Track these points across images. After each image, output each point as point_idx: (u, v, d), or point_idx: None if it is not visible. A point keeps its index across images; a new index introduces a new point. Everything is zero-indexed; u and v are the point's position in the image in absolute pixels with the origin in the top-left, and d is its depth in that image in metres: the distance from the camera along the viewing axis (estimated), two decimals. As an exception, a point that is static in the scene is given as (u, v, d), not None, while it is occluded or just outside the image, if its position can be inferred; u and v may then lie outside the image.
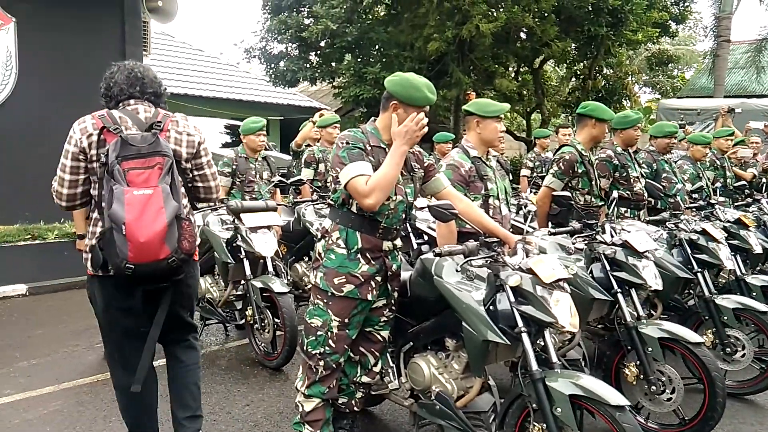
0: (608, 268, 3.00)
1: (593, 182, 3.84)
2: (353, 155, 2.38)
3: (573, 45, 14.57)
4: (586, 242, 3.08)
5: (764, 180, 5.93)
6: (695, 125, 6.19)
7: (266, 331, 3.91)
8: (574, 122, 4.32)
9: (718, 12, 16.58)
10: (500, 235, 2.55)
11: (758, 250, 4.19)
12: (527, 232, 2.88)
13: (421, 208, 4.51)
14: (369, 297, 2.50)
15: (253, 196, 4.69)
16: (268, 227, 4.09)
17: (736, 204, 4.91)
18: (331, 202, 2.57)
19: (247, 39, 34.35)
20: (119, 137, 2.17)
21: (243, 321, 4.15)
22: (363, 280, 2.47)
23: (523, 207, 5.35)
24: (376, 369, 2.74)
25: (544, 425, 2.22)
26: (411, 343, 2.79)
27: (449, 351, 2.61)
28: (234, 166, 4.67)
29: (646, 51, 21.67)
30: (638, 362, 2.94)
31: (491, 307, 2.35)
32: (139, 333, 2.37)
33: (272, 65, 15.51)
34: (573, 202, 3.55)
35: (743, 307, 3.45)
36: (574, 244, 3.07)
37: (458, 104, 13.71)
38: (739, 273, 4.01)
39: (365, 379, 2.74)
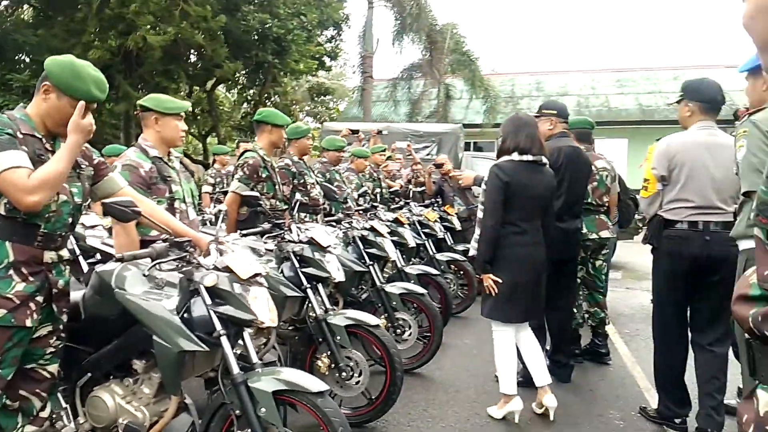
0: (297, 265, 3.11)
1: (277, 186, 3.97)
2: (3, 143, 1.92)
3: (243, 71, 15.03)
4: (275, 243, 3.14)
5: (410, 188, 7.06)
6: (353, 144, 7.00)
7: None
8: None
9: (363, 51, 19.32)
10: (191, 237, 2.37)
11: (412, 244, 4.95)
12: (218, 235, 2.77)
13: (93, 227, 3.96)
14: (28, 323, 2.02)
15: None
16: None
17: (391, 208, 5.70)
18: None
19: None
20: None
21: None
22: (18, 302, 1.99)
23: (208, 222, 5.22)
24: (44, 414, 2.23)
25: (249, 431, 2.14)
26: (89, 375, 2.37)
27: (138, 374, 2.30)
28: None
29: (307, 83, 23.85)
30: (329, 352, 3.11)
31: (186, 315, 2.16)
32: None
33: None
34: (261, 203, 3.60)
35: (408, 292, 4.01)
36: (265, 245, 3.09)
37: (128, 119, 12.67)
38: (399, 264, 4.64)
39: (30, 429, 2.20)
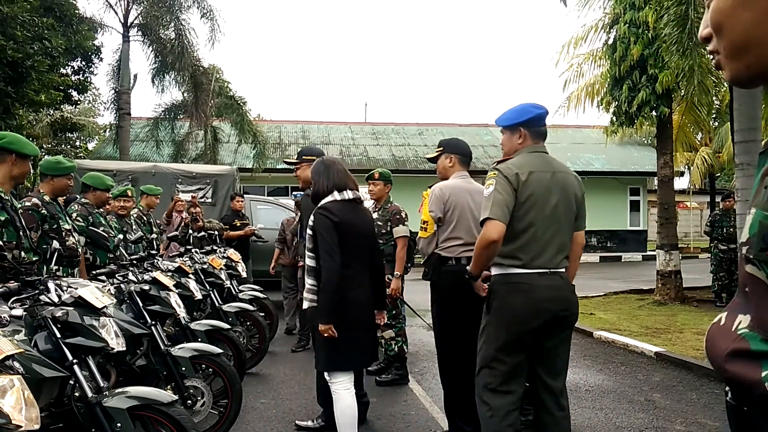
0: (59, 335, 2.36)
1: (22, 233, 3.06)
2: None
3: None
4: (26, 307, 2.34)
5: (189, 233, 6.29)
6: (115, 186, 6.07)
7: None
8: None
9: (118, 87, 17.61)
10: None
11: (198, 296, 4.31)
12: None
13: None
14: None
15: None
16: None
17: (170, 255, 4.98)
18: None
19: None
20: None
21: None
22: None
23: None
24: None
25: None
26: None
27: None
28: None
29: (48, 117, 20.67)
30: (105, 446, 2.40)
31: None
32: None
33: None
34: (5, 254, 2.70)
35: (199, 354, 3.40)
36: (11, 310, 2.25)
37: None
38: (184, 321, 3.98)
39: None
